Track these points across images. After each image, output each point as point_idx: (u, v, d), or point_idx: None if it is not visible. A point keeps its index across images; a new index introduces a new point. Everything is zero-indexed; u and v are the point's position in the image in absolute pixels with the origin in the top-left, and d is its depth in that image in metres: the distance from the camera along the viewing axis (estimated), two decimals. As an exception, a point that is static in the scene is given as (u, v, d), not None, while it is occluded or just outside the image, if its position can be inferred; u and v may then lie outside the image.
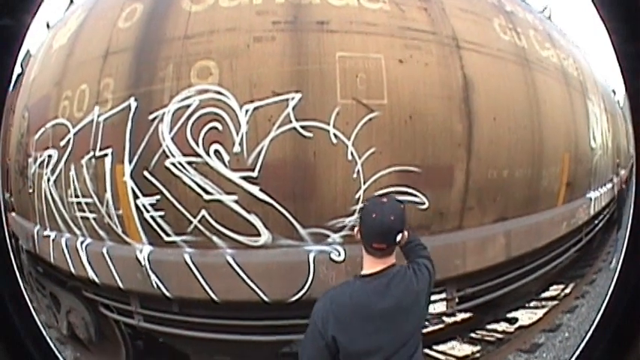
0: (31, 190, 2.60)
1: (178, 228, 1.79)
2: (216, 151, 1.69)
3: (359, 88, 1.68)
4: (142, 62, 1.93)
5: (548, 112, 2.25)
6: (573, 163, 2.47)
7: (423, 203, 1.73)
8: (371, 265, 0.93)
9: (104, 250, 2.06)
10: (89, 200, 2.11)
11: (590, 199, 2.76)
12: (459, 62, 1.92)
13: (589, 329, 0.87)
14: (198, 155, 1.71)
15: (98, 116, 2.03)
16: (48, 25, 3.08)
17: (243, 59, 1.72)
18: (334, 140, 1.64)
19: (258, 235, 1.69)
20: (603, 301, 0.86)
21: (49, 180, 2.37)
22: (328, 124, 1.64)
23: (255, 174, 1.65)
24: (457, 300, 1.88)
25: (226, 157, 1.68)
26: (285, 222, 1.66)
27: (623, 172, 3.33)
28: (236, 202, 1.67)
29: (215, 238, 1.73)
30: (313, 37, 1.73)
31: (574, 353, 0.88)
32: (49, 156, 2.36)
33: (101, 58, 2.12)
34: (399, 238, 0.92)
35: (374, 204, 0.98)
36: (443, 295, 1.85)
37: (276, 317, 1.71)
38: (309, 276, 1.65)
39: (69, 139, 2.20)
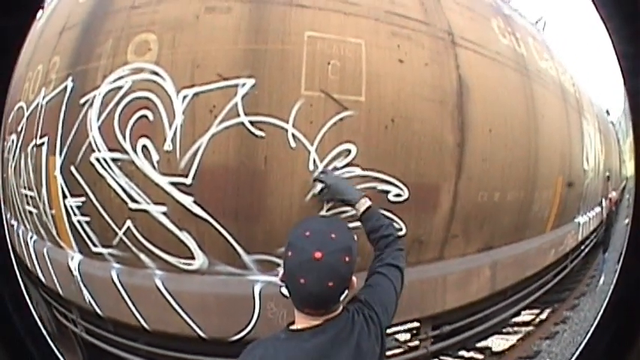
0: (5, 175, 1.98)
1: (104, 239, 1.15)
2: (144, 147, 1.03)
3: (330, 78, 1.02)
4: (85, 37, 1.26)
5: (545, 129, 1.59)
6: (565, 186, 1.81)
7: (400, 229, 1.09)
8: (304, 320, 0.55)
9: (45, 251, 1.43)
10: (32, 194, 1.46)
11: (579, 223, 2.11)
12: (454, 61, 1.24)
13: (589, 329, 0.69)
14: (124, 151, 1.05)
15: (43, 99, 1.37)
16: (43, 8, 2.43)
17: (188, 33, 1.05)
18: (293, 143, 0.99)
19: (192, 257, 1.05)
20: (603, 302, 0.69)
21: (11, 167, 1.72)
22: (286, 122, 0.99)
23: (188, 180, 1.00)
24: (432, 340, 1.25)
25: (155, 157, 1.02)
26: (225, 244, 1.02)
27: (613, 194, 2.65)
28: (165, 214, 1.02)
29: (142, 256, 1.09)
30: (278, 10, 1.05)
31: (574, 353, 0.70)
32: (12, 141, 1.71)
33: (57, 36, 1.45)
34: (342, 297, 0.54)
35: (301, 261, 0.52)
36: (415, 335, 1.22)
37: (217, 354, 1.08)
38: (253, 313, 1.02)
39: (23, 125, 1.55)
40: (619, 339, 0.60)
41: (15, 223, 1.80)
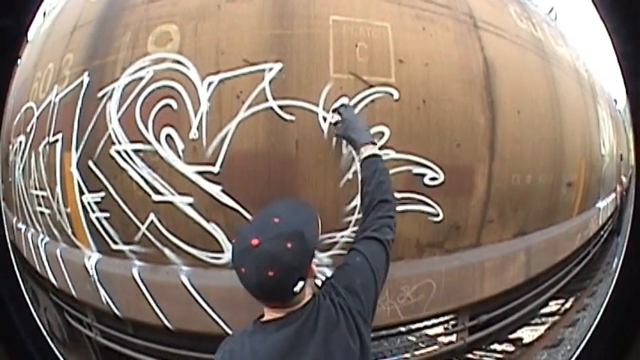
0: (11, 179, 1.94)
1: (125, 235, 1.11)
2: (169, 137, 1.00)
3: (359, 60, 1.00)
4: (101, 32, 1.25)
5: (567, 111, 1.58)
6: (588, 170, 1.79)
7: (437, 215, 1.05)
8: (269, 313, 0.51)
9: (58, 252, 1.39)
10: (45, 193, 1.43)
11: (599, 209, 2.08)
12: (479, 43, 1.23)
13: (589, 329, 0.70)
14: (146, 142, 1.02)
15: (55, 96, 1.35)
16: (44, 14, 2.45)
17: (211, 22, 1.04)
18: (324, 126, 0.96)
19: (221, 250, 1.00)
20: (603, 302, 0.70)
21: (19, 168, 1.70)
22: (316, 105, 0.96)
23: (216, 169, 0.96)
24: (468, 331, 1.20)
25: (180, 146, 0.99)
26: (256, 234, 0.97)
27: (624, 179, 2.65)
28: (191, 205, 0.99)
29: (167, 251, 1.04)
30: (302, -4, 1.04)
31: (574, 353, 0.71)
32: (20, 142, 1.69)
33: (69, 35, 1.45)
34: (298, 288, 0.48)
35: (240, 249, 0.48)
36: (451, 326, 1.17)
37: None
38: (285, 306, 0.97)
39: (32, 124, 1.53)
40: (619, 339, 0.60)
41: (23, 227, 1.76)
